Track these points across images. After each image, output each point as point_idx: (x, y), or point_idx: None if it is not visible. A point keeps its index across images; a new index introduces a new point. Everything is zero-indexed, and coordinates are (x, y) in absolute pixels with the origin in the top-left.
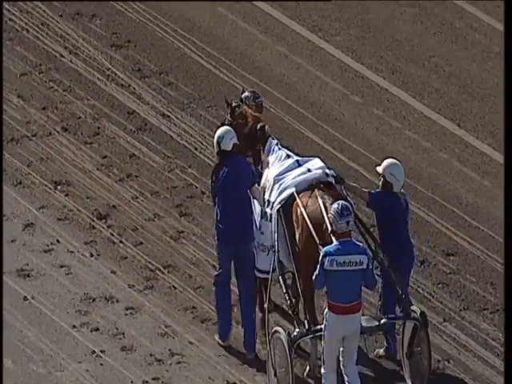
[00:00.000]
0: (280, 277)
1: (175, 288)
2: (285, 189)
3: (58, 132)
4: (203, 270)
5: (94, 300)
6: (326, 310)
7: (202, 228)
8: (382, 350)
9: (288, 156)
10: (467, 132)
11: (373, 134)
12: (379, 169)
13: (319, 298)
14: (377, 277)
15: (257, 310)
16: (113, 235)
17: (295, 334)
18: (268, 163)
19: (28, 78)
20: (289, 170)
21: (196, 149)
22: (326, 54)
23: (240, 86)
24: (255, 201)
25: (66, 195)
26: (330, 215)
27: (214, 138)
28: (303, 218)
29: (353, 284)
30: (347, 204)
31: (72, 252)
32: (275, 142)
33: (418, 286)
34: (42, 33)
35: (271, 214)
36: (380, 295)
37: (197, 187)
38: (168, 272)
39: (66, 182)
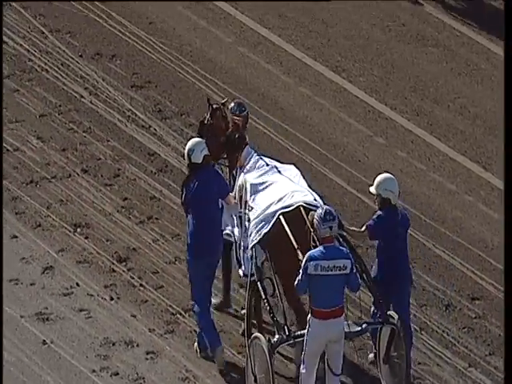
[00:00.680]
0: (258, 282)
1: (195, 332)
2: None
3: (77, 174)
4: (224, 314)
5: (113, 344)
6: (309, 315)
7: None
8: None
9: (266, 164)
10: (493, 175)
11: (397, 176)
12: (372, 189)
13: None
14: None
15: None
16: (133, 278)
17: (275, 340)
18: (245, 168)
19: (47, 119)
20: (264, 174)
21: None
22: (350, 94)
23: (262, 127)
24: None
25: (86, 238)
26: (314, 220)
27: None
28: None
29: (336, 289)
30: (331, 209)
31: (92, 295)
32: (253, 150)
33: (443, 331)
34: (61, 73)
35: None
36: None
37: None
38: (189, 316)
39: (85, 224)
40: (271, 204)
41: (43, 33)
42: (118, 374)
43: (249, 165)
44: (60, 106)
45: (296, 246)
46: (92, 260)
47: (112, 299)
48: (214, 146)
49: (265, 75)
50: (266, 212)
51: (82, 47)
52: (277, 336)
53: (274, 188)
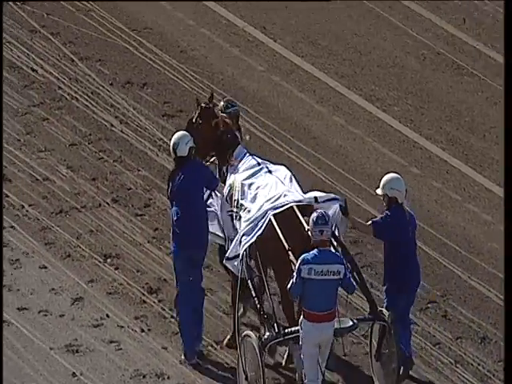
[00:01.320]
0: (249, 281)
1: (228, 364)
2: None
3: (107, 204)
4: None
5: (144, 376)
6: (301, 317)
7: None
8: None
9: (258, 163)
10: None
11: (432, 206)
12: (379, 191)
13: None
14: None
15: None
16: (164, 310)
17: (266, 337)
18: (236, 166)
19: (77, 148)
20: (256, 173)
21: None
22: (384, 124)
23: (295, 156)
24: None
25: (116, 268)
26: (309, 223)
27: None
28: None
29: (329, 293)
30: (324, 214)
31: (122, 327)
32: (245, 150)
33: (479, 364)
34: (91, 102)
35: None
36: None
37: None
38: (220, 348)
39: (115, 255)
40: (263, 204)
41: (73, 60)
42: None
43: (240, 164)
44: (90, 134)
45: (287, 247)
46: (122, 291)
47: (143, 331)
48: (202, 145)
49: (298, 104)
50: (258, 213)
51: (113, 75)
52: (267, 333)
53: (266, 188)
